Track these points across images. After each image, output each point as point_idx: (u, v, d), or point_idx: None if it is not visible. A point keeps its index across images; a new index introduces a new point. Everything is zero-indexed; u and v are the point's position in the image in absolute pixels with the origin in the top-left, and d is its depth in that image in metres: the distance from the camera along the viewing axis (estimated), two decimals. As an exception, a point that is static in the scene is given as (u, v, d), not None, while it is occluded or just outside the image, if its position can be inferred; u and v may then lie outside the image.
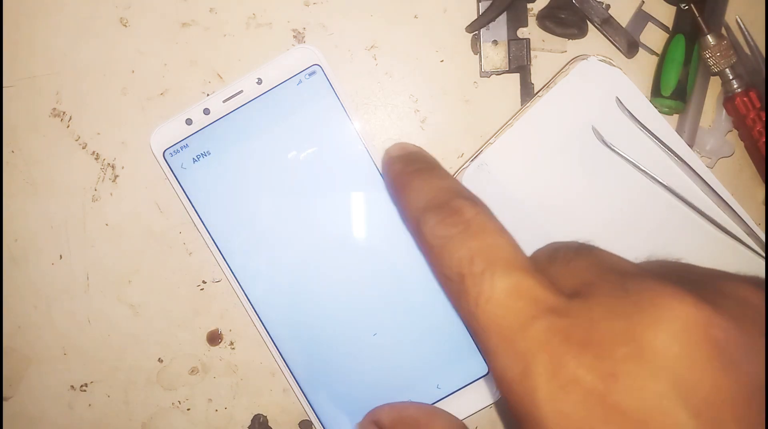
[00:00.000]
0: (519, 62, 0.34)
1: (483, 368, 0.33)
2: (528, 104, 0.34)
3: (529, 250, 0.33)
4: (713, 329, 0.14)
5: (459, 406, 0.33)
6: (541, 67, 0.35)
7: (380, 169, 0.22)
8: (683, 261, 0.18)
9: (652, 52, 0.35)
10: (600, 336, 0.14)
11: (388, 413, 0.23)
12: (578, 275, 0.17)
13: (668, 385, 0.13)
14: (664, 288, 0.15)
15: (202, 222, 0.33)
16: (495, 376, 0.16)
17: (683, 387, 0.13)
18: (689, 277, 0.16)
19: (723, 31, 0.34)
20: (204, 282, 0.36)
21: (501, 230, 0.18)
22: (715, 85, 0.35)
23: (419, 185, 0.21)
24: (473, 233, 0.18)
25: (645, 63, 0.35)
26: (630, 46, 0.34)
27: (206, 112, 0.33)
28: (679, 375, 0.13)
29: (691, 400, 0.13)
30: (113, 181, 0.36)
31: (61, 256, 0.36)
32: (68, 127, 0.36)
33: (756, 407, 0.13)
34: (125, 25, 0.35)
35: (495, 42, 0.34)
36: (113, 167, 0.36)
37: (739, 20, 0.35)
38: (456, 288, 0.17)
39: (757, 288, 0.15)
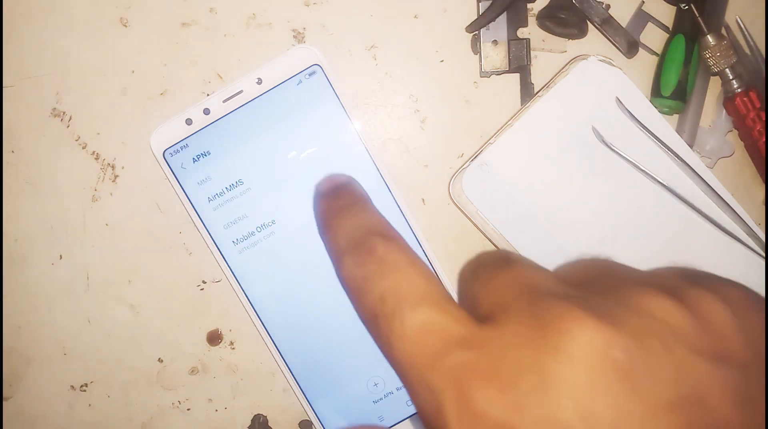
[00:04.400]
0: (519, 62, 0.34)
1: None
2: (528, 104, 0.34)
3: (528, 249, 0.33)
4: (614, 351, 0.14)
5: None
6: (541, 67, 0.35)
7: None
8: (618, 260, 0.18)
9: (652, 52, 0.35)
10: (506, 367, 0.14)
11: None
12: (495, 296, 0.17)
13: (573, 414, 0.13)
14: (567, 312, 0.14)
15: (202, 222, 0.33)
16: (417, 412, 0.16)
17: (588, 414, 0.13)
18: (601, 288, 0.16)
19: (723, 31, 0.34)
20: (204, 282, 0.36)
21: (413, 264, 0.18)
22: (715, 85, 0.35)
23: (337, 225, 0.21)
24: (384, 272, 0.18)
25: (645, 63, 0.35)
26: (630, 46, 0.34)
27: (206, 112, 0.33)
28: (583, 403, 0.13)
29: (597, 426, 0.13)
30: (113, 181, 0.36)
31: (61, 256, 0.36)
32: (68, 127, 0.36)
33: (662, 424, 0.13)
34: (125, 25, 0.35)
35: (495, 42, 0.34)
36: (113, 167, 0.36)
37: (739, 20, 0.34)
38: (372, 329, 0.17)
39: (662, 297, 0.15)
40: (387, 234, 0.19)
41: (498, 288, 0.17)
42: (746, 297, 0.16)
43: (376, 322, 0.17)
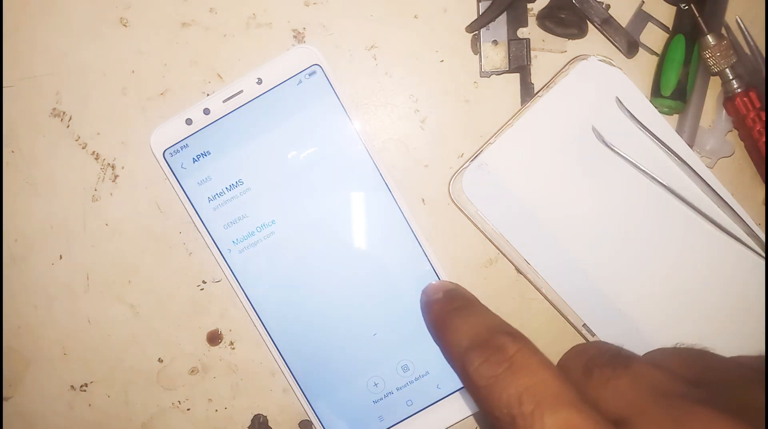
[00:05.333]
0: (519, 62, 0.34)
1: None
2: (528, 104, 0.34)
3: (528, 249, 0.33)
4: None
5: (458, 406, 0.33)
6: (541, 67, 0.35)
7: (421, 310, 0.23)
8: (703, 347, 0.18)
9: (652, 52, 0.35)
10: None
11: None
12: (621, 397, 0.17)
13: None
14: (711, 416, 0.15)
15: (202, 222, 0.33)
16: None
17: None
18: (716, 386, 0.17)
19: (723, 31, 0.34)
20: (204, 282, 0.36)
21: (544, 364, 0.18)
22: (715, 85, 0.35)
23: (459, 324, 0.21)
24: (518, 370, 0.18)
25: (645, 63, 0.35)
26: (630, 46, 0.34)
27: (206, 112, 0.33)
28: None
29: None
30: (113, 181, 0.36)
31: (61, 256, 0.36)
32: (68, 127, 0.36)
33: None
34: (125, 25, 0.35)
35: (495, 42, 0.34)
36: (113, 167, 0.36)
37: (739, 20, 0.34)
38: (507, 428, 0.17)
39: (761, 387, 0.16)
40: (513, 333, 0.19)
41: (622, 389, 0.17)
42: None
43: (513, 423, 0.17)
